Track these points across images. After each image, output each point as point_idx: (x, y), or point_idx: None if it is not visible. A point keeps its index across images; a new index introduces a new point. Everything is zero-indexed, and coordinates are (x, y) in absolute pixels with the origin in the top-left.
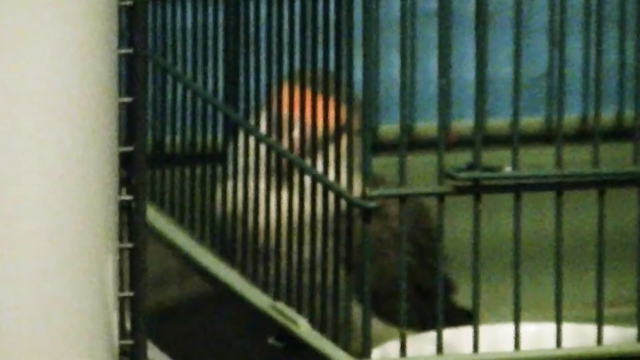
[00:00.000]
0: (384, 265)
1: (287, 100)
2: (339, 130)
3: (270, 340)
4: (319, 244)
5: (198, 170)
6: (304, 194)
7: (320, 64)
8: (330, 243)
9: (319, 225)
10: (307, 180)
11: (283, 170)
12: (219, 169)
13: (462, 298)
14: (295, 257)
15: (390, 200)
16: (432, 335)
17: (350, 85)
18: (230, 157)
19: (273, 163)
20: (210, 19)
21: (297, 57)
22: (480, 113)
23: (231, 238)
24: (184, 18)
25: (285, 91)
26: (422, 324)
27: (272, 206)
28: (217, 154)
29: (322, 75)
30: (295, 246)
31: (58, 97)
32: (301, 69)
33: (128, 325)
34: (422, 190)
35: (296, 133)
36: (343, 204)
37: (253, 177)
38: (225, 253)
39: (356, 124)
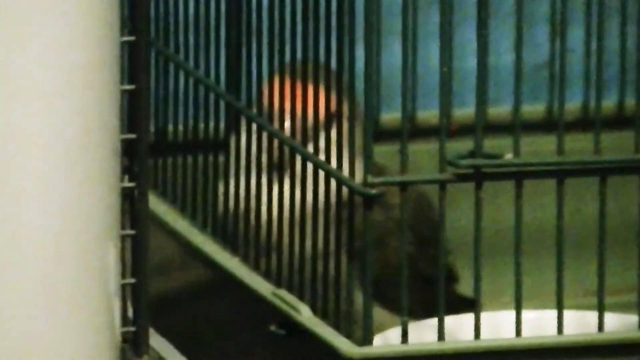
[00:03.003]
0: (386, 254)
1: (278, 92)
2: (330, 119)
3: (272, 328)
4: (320, 232)
5: (200, 158)
6: (306, 181)
7: (321, 52)
8: (332, 231)
9: (321, 213)
10: (309, 167)
11: (285, 157)
12: (221, 157)
13: (464, 286)
14: (297, 245)
15: (393, 191)
16: (433, 322)
17: (351, 74)
18: (232, 145)
19: (274, 151)
20: (213, 7)
21: (298, 45)
22: (482, 101)
23: (233, 226)
24: (186, 6)
25: (276, 84)
26: (425, 313)
27: (274, 194)
28: (219, 142)
29: (312, 65)
30: (297, 234)
31: (60, 84)
32: (292, 61)
33: (130, 312)
34: (424, 178)
35: (287, 124)
36: (345, 191)
37: (255, 165)
38: (227, 240)
39: (347, 111)
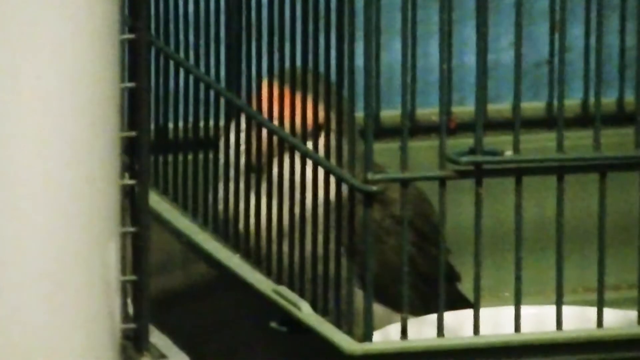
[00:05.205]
0: (384, 252)
1: (267, 97)
2: (319, 120)
3: (273, 324)
4: (320, 229)
5: (201, 156)
6: (306, 178)
7: (321, 50)
8: (333, 228)
9: (321, 210)
10: (309, 165)
11: (284, 154)
12: (221, 154)
13: (464, 282)
14: (297, 242)
15: (391, 187)
16: (433, 318)
17: (351, 72)
18: (232, 142)
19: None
20: (212, 4)
21: (298, 42)
22: (482, 97)
23: (233, 223)
24: (186, 3)
25: (265, 89)
26: (425, 311)
27: (274, 191)
28: (220, 139)
29: (301, 73)
30: (297, 232)
31: (61, 82)
32: (281, 69)
33: (131, 309)
34: (424, 175)
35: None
36: (345, 189)
37: (254, 162)
38: (228, 238)
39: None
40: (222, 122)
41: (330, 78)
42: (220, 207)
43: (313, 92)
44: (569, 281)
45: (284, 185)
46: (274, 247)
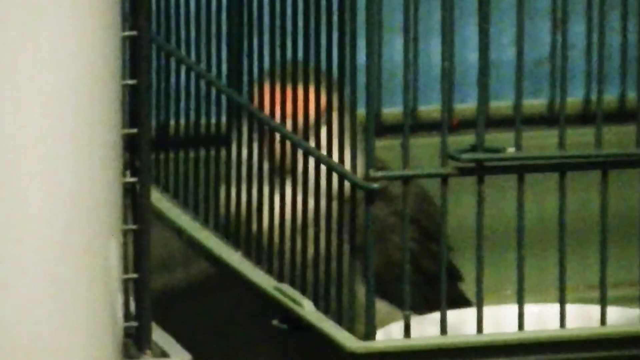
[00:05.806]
0: (388, 249)
1: (269, 97)
2: (321, 116)
3: (275, 322)
4: (323, 227)
5: (202, 153)
6: (308, 175)
7: (323, 47)
8: (335, 225)
9: (323, 208)
10: (311, 162)
11: (286, 152)
12: (223, 152)
13: (467, 282)
14: (299, 240)
15: (395, 184)
16: (436, 316)
17: (352, 69)
18: (234, 140)
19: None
20: (213, 1)
21: (300, 39)
22: (484, 94)
23: (235, 221)
24: (187, 0)
25: (266, 90)
26: (428, 310)
27: (276, 189)
28: (221, 137)
29: (301, 67)
30: (299, 229)
31: (62, 79)
32: (282, 65)
33: (133, 307)
34: (426, 172)
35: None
36: (347, 185)
37: (256, 160)
38: (229, 236)
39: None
40: (223, 120)
41: (331, 74)
42: (223, 204)
43: (314, 85)
44: (570, 279)
45: (287, 182)
46: (276, 244)
